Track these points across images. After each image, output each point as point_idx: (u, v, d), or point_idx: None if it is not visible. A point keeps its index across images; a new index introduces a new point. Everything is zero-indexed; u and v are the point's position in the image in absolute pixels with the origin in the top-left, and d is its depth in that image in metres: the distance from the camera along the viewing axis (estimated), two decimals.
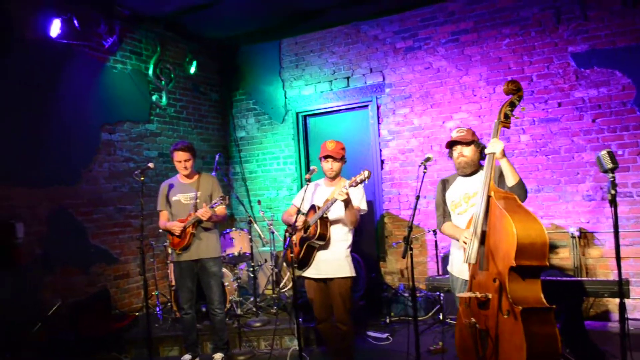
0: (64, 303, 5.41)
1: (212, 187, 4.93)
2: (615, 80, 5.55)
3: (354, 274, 4.25)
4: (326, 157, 4.28)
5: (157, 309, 6.03)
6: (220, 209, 4.75)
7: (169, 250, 4.85)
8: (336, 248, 4.19)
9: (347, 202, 3.93)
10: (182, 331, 4.97)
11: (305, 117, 7.60)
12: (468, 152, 3.62)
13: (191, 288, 4.88)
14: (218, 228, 5.04)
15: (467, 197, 3.60)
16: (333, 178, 4.33)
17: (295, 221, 4.14)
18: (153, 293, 6.20)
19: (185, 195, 4.85)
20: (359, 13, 6.78)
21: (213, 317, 4.92)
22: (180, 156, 4.80)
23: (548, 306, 2.93)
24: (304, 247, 4.20)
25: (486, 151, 3.34)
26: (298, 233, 4.29)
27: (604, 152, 3.25)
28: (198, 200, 4.82)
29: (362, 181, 3.74)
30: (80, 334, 5.28)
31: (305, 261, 4.25)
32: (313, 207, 4.26)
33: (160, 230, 5.24)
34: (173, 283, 5.90)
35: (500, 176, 3.43)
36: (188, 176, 4.90)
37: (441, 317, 5.73)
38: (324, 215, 4.09)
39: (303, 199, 4.22)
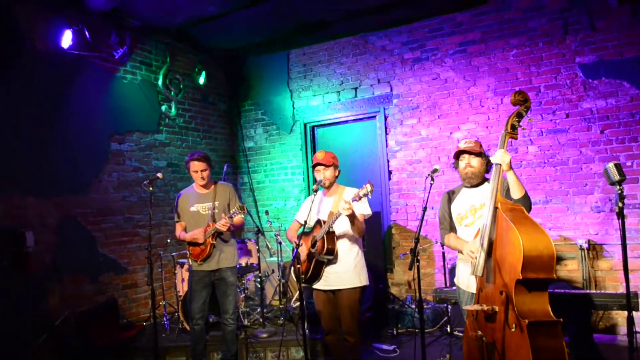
0: (72, 312, 5.43)
1: (230, 196, 4.92)
2: (624, 91, 5.53)
3: (364, 283, 4.21)
4: (315, 165, 4.29)
5: (165, 319, 6.04)
6: (239, 218, 4.75)
7: (190, 262, 4.84)
8: (344, 259, 4.17)
9: (352, 216, 3.92)
10: (191, 341, 4.96)
11: (313, 127, 7.62)
12: (475, 162, 3.62)
13: (205, 299, 4.85)
14: (234, 238, 5.04)
15: (474, 209, 3.59)
16: (328, 187, 4.31)
17: (300, 241, 4.10)
18: (160, 303, 6.22)
19: (203, 206, 4.84)
20: (367, 24, 6.81)
21: (225, 327, 4.89)
22: (197, 166, 4.79)
23: (555, 319, 2.91)
24: (313, 262, 4.19)
25: (493, 160, 3.32)
26: (305, 248, 4.28)
27: (611, 165, 3.23)
28: (216, 210, 4.81)
29: (364, 195, 3.73)
30: (88, 343, 5.29)
31: (314, 276, 4.23)
32: (319, 222, 4.25)
33: (168, 240, 5.24)
34: (181, 293, 5.92)
35: (506, 188, 3.42)
36: (205, 186, 4.89)
37: (449, 329, 5.69)
38: (330, 230, 4.09)
39: (310, 210, 4.21)
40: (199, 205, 4.85)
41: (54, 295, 5.42)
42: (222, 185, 4.98)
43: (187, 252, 4.84)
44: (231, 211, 4.65)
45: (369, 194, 3.72)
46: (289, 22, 6.63)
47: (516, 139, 3.40)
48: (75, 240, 5.72)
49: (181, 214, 4.92)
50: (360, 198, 3.76)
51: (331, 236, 4.09)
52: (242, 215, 4.72)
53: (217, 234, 4.74)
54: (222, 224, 4.57)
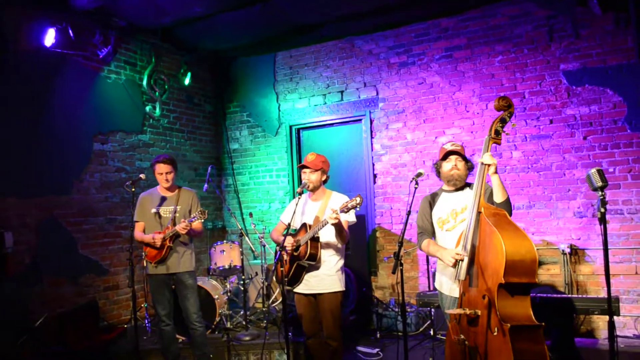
0: (51, 314, 5.36)
1: (192, 202, 4.91)
2: (607, 98, 5.59)
3: (343, 289, 4.22)
4: (302, 167, 4.28)
5: (146, 321, 5.98)
6: (197, 224, 4.72)
7: (144, 263, 4.80)
8: (326, 264, 4.16)
9: (338, 225, 3.92)
10: (162, 344, 4.89)
11: (298, 130, 7.61)
12: (461, 165, 3.63)
13: (169, 298, 4.84)
14: (193, 242, 5.01)
15: (455, 213, 3.60)
16: (313, 190, 4.30)
17: (284, 241, 4.10)
18: (142, 305, 6.15)
19: (165, 209, 4.83)
20: (354, 28, 6.81)
21: (193, 332, 4.84)
22: (161, 168, 4.78)
23: (537, 324, 2.93)
24: (294, 265, 4.18)
25: (483, 161, 3.29)
26: (291, 243, 4.27)
27: (593, 171, 3.26)
28: (177, 214, 4.80)
29: (353, 207, 3.73)
30: (68, 346, 5.22)
31: (294, 279, 4.23)
32: (304, 226, 4.23)
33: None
34: None
35: (488, 193, 3.43)
36: (169, 189, 4.88)
37: (432, 332, 5.71)
38: (315, 236, 4.08)
39: (294, 212, 4.19)
40: (160, 208, 4.83)
41: (34, 297, 5.34)
42: (185, 191, 4.97)
43: (143, 253, 4.80)
44: (192, 215, 4.65)
45: (358, 206, 3.73)
46: (276, 25, 6.61)
47: (500, 144, 3.43)
48: (56, 241, 5.64)
49: (141, 215, 4.88)
50: (348, 210, 3.76)
51: (315, 242, 4.09)
52: (202, 222, 4.71)
53: (176, 237, 4.72)
54: (181, 227, 4.56)
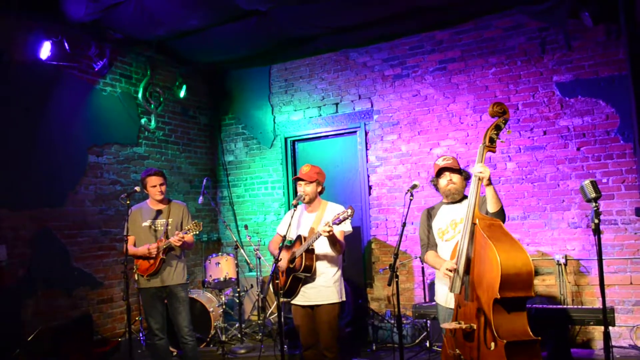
0: (45, 327, 5.31)
1: (183, 215, 4.91)
2: (599, 109, 5.64)
3: (342, 299, 4.21)
4: (297, 180, 4.28)
5: (140, 335, 5.94)
6: (190, 237, 4.71)
7: (136, 277, 4.78)
8: (324, 275, 4.16)
9: (332, 237, 3.93)
10: (157, 359, 4.86)
11: (293, 142, 7.62)
12: (457, 179, 3.63)
13: (162, 312, 4.81)
14: (185, 255, 5.00)
15: (454, 223, 3.60)
16: (309, 202, 4.30)
17: (279, 255, 4.08)
18: (136, 318, 6.11)
19: (156, 222, 4.82)
20: (349, 40, 6.85)
21: (184, 345, 4.79)
22: (155, 181, 4.79)
23: (534, 338, 2.88)
24: (290, 277, 4.17)
25: (473, 172, 3.23)
26: (285, 262, 4.26)
27: (587, 182, 3.28)
28: (169, 227, 4.79)
29: (345, 219, 3.75)
30: (61, 359, 5.17)
31: (291, 291, 4.21)
32: (299, 238, 4.24)
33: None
34: None
35: (482, 203, 3.43)
36: (161, 202, 4.88)
37: (428, 344, 5.69)
38: (310, 247, 4.08)
39: (290, 225, 4.20)
40: (152, 221, 4.82)
41: (27, 310, 5.30)
42: (176, 204, 4.98)
43: (134, 266, 4.77)
44: (186, 227, 4.65)
45: (350, 217, 3.76)
46: (272, 38, 6.63)
47: (494, 152, 3.34)
48: (50, 253, 5.60)
49: (131, 229, 4.84)
50: (340, 222, 3.78)
51: (310, 254, 4.08)
52: (193, 235, 4.69)
53: (169, 250, 4.71)
54: (176, 240, 4.55)
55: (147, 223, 4.81)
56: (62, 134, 5.82)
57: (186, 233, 4.57)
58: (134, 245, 4.83)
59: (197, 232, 4.63)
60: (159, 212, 4.85)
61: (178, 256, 4.82)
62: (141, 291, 4.82)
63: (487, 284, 2.93)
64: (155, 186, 4.79)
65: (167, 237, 4.68)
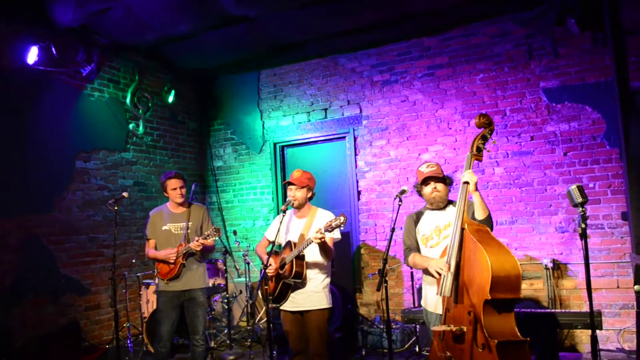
0: (32, 334, 5.25)
1: (203, 217, 4.88)
2: (586, 115, 5.70)
3: (330, 306, 4.21)
4: (287, 184, 4.28)
5: (128, 342, 5.89)
6: (211, 241, 4.67)
7: (156, 280, 4.74)
8: (313, 281, 4.15)
9: (323, 244, 3.92)
10: None
11: (282, 147, 7.62)
12: (441, 187, 3.68)
13: (174, 321, 4.73)
14: (204, 258, 4.97)
15: (439, 229, 3.64)
16: (298, 208, 4.30)
17: (268, 260, 4.08)
18: (124, 325, 6.06)
19: (176, 225, 4.78)
20: (338, 46, 6.88)
21: (195, 348, 4.76)
22: (175, 183, 4.75)
23: (523, 339, 2.95)
24: (280, 284, 4.16)
25: (461, 178, 3.35)
26: (274, 268, 4.24)
27: (574, 187, 3.31)
28: (189, 231, 4.75)
29: (337, 226, 3.75)
30: None
31: (280, 297, 4.20)
32: (289, 244, 4.22)
33: (133, 261, 5.14)
34: (146, 315, 5.79)
35: (470, 209, 3.47)
36: (181, 205, 4.84)
37: (417, 349, 5.70)
38: (300, 254, 4.07)
39: (279, 230, 4.19)
40: (172, 225, 4.78)
41: (14, 317, 5.24)
42: (196, 206, 4.94)
43: (155, 270, 4.74)
44: (206, 233, 4.60)
45: (342, 225, 3.75)
46: (261, 43, 6.64)
47: (481, 160, 3.51)
48: (37, 260, 5.55)
49: (152, 233, 4.82)
50: (332, 229, 3.77)
51: (301, 260, 4.07)
52: (214, 238, 4.67)
53: (188, 254, 4.67)
54: (196, 244, 4.52)
55: (167, 227, 4.77)
56: (49, 139, 5.78)
57: (205, 239, 4.53)
58: (155, 248, 4.79)
59: (217, 238, 4.60)
60: (178, 216, 4.81)
61: (199, 260, 4.78)
62: (159, 295, 4.75)
63: (478, 285, 2.99)
64: (175, 189, 4.75)
65: (187, 242, 4.65)
